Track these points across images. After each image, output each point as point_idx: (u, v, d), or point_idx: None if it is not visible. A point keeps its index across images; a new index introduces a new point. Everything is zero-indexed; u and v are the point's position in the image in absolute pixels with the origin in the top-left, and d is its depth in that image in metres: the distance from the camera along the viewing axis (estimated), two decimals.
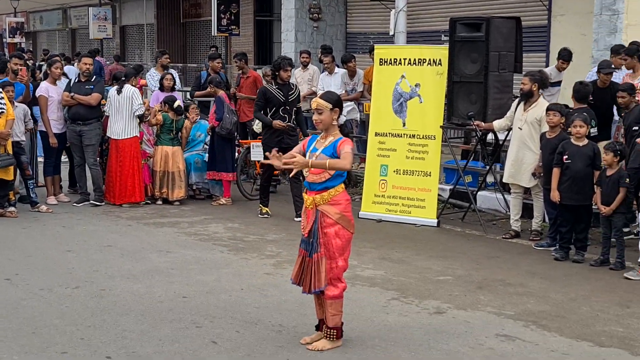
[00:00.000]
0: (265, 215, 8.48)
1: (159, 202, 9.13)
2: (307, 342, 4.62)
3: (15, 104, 8.51)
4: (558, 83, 9.11)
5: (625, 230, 6.92)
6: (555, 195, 6.73)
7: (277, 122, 8.21)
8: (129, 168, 8.83)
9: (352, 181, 9.85)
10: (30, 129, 8.78)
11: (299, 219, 8.09)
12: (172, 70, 11.16)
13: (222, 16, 17.67)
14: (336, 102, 4.58)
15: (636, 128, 6.97)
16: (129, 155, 8.84)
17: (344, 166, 4.40)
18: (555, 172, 6.75)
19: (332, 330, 4.54)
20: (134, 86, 9.07)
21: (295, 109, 8.48)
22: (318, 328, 4.68)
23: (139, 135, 8.95)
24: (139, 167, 8.95)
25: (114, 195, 8.90)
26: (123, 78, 9.07)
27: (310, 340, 4.63)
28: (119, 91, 8.87)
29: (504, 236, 7.66)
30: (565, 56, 8.99)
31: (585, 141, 6.73)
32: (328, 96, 4.65)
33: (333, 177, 4.47)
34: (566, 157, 6.68)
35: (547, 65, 10.78)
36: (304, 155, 4.55)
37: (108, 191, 8.99)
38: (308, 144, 4.66)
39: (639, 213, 6.84)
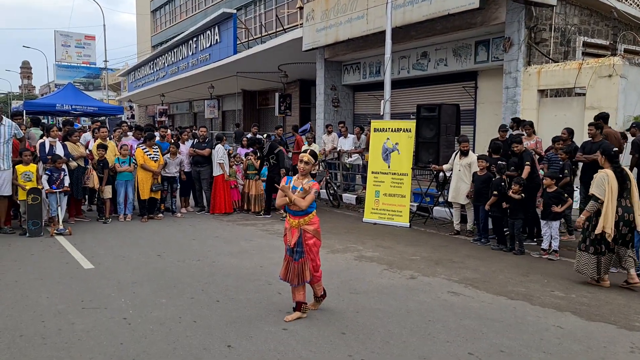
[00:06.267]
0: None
1: (244, 212, 9.12)
2: (289, 320, 3.96)
3: (178, 155, 8.69)
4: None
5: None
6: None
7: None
8: (221, 192, 8.82)
9: (361, 200, 9.94)
10: (182, 170, 8.89)
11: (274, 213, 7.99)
12: (259, 135, 11.04)
13: (281, 105, 17.92)
14: (316, 159, 4.10)
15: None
16: (220, 185, 8.82)
17: (302, 206, 3.87)
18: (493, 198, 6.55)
19: (320, 298, 4.24)
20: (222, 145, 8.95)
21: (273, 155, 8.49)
22: (295, 309, 4.06)
23: (223, 174, 8.76)
24: (228, 192, 8.88)
25: (213, 208, 8.91)
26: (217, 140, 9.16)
27: (291, 318, 3.98)
28: (213, 148, 8.94)
29: (450, 234, 7.54)
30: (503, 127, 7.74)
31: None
32: (314, 154, 4.06)
33: (310, 207, 3.99)
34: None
35: (474, 134, 10.69)
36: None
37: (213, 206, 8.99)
38: (286, 182, 4.04)
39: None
